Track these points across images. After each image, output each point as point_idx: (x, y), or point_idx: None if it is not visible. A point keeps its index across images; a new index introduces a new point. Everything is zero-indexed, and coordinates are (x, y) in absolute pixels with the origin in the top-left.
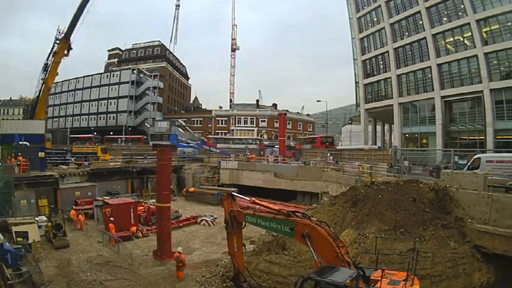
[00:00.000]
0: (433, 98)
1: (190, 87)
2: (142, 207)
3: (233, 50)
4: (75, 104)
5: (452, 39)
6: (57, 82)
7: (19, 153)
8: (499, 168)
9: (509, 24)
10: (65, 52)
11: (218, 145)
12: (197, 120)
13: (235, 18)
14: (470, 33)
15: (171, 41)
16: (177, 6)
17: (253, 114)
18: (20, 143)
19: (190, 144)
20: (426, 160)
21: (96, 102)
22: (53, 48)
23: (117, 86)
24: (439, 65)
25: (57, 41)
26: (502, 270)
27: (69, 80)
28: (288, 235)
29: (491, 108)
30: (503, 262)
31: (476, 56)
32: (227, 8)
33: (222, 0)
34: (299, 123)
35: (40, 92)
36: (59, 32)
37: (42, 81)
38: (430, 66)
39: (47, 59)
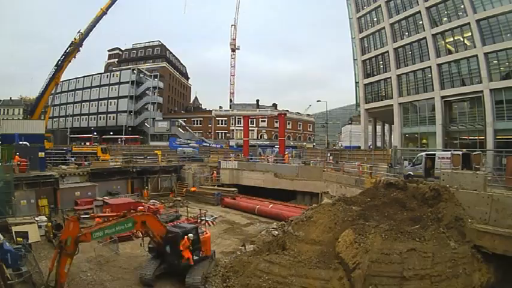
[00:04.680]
0: (433, 98)
1: (190, 87)
2: (142, 207)
3: (233, 50)
4: (75, 104)
5: (452, 39)
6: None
7: (17, 153)
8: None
9: (509, 24)
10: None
11: None
12: (197, 120)
13: (237, 18)
14: (470, 33)
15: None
16: None
17: (253, 114)
18: (20, 143)
19: (191, 144)
20: None
21: (96, 102)
22: (66, 50)
23: (117, 86)
24: (439, 65)
25: (73, 44)
26: (502, 270)
27: (69, 80)
28: (132, 228)
29: (491, 108)
30: (503, 262)
31: (476, 56)
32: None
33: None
34: (299, 123)
35: (47, 86)
36: (80, 35)
37: (51, 76)
38: (430, 66)
39: (62, 56)
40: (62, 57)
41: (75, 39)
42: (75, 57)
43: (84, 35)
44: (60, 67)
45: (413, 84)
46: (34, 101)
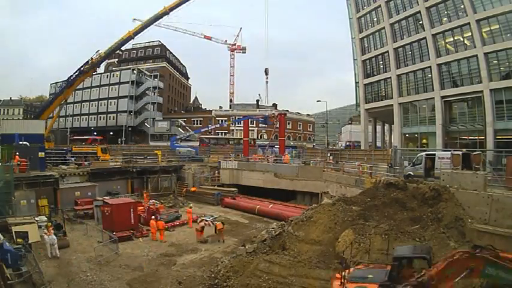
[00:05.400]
0: (433, 98)
1: (190, 87)
2: (142, 207)
3: (232, 51)
4: (75, 104)
5: (452, 39)
6: (57, 82)
7: (17, 153)
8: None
9: (509, 24)
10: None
11: None
12: (197, 120)
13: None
14: (470, 33)
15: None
16: None
17: (253, 114)
18: (20, 143)
19: (189, 144)
20: None
21: (96, 102)
22: (81, 67)
23: (117, 86)
24: (439, 65)
25: (89, 63)
26: None
27: None
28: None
29: (491, 108)
30: None
31: (476, 56)
32: None
33: None
34: (299, 123)
35: (53, 99)
36: (99, 56)
37: (60, 89)
38: (430, 66)
39: (74, 73)
40: (75, 73)
41: (92, 58)
42: (91, 76)
43: (105, 57)
44: (70, 83)
45: (413, 84)
46: (34, 101)
